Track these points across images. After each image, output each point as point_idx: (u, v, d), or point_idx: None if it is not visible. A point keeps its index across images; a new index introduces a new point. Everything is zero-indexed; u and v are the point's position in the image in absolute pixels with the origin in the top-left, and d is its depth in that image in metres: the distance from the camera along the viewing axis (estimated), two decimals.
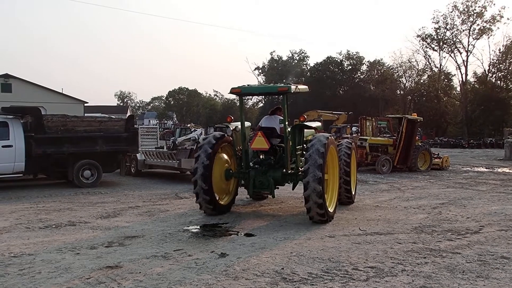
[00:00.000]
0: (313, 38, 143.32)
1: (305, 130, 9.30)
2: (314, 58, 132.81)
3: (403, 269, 5.81)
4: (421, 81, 63.05)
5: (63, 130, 12.90)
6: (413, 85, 63.32)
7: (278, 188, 9.60)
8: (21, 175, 13.08)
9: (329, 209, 8.47)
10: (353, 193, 10.74)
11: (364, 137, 19.02)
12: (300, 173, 8.89)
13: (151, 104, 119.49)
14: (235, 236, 7.63)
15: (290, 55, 73.67)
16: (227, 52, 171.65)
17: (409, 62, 62.61)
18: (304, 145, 9.09)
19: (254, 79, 76.25)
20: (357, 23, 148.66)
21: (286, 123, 8.93)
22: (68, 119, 13.30)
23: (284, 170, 9.04)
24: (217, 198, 9.21)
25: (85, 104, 50.08)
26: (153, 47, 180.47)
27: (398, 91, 64.90)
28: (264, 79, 71.84)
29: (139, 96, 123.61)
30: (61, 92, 49.60)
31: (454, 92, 63.73)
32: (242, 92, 9.00)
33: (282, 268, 5.80)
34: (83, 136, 13.16)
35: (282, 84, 9.16)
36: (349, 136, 22.40)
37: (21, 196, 11.84)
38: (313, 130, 9.83)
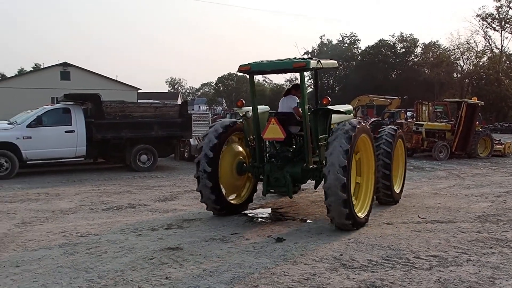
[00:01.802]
0: (364, 20, 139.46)
1: (332, 115, 7.65)
2: (366, 41, 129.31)
3: (468, 259, 5.58)
4: (480, 63, 59.91)
5: (121, 116, 13.33)
6: (471, 67, 60.25)
7: (298, 186, 9.01)
8: (82, 159, 13.68)
9: (359, 215, 6.95)
10: (397, 190, 9.02)
11: (420, 122, 18.36)
12: (321, 167, 7.28)
13: (201, 90, 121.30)
14: (291, 221, 7.63)
15: (341, 38, 72.09)
16: (275, 37, 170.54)
17: (467, 43, 59.56)
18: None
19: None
20: (412, 4, 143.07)
21: (306, 106, 7.32)
22: (126, 105, 13.74)
23: (305, 165, 7.52)
24: (227, 196, 8.02)
25: (138, 91, 51.56)
26: (201, 34, 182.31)
27: (454, 74, 61.99)
28: None
29: (189, 83, 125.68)
30: (115, 79, 51.30)
31: None
32: (251, 70, 7.45)
33: (341, 254, 5.74)
34: (139, 122, 13.55)
35: (299, 59, 7.51)
36: (403, 121, 21.72)
37: (83, 179, 12.40)
38: (345, 115, 8.11)
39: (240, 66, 7.41)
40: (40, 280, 4.92)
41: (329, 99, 7.26)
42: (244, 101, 7.99)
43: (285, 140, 7.59)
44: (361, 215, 7.06)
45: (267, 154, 8.08)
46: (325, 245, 6.13)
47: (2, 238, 6.59)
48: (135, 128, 13.46)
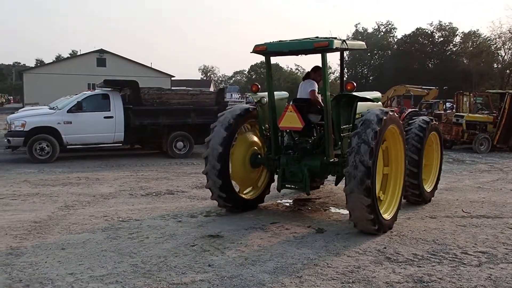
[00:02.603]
0: (401, 8, 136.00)
1: (358, 103, 6.84)
2: (402, 30, 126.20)
3: None
4: None
5: (158, 103, 13.44)
6: None
7: (318, 182, 8.30)
8: (120, 145, 13.88)
9: (385, 216, 6.22)
10: (428, 189, 8.14)
11: (461, 114, 17.78)
12: (343, 160, 6.50)
13: (233, 78, 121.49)
14: (330, 212, 7.52)
15: (376, 27, 70.65)
16: (309, 25, 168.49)
17: (509, 32, 57.24)
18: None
19: (336, 53, 74.29)
20: None
21: (328, 93, 6.53)
22: (163, 92, 13.84)
23: (325, 158, 6.78)
24: (242, 192, 7.48)
25: (172, 78, 52.09)
26: (233, 23, 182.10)
27: (495, 64, 59.84)
28: (347, 53, 69.74)
29: (221, 70, 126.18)
30: (150, 66, 51.97)
31: None
32: (267, 50, 6.64)
33: (385, 247, 5.60)
34: (176, 109, 13.62)
35: (321, 38, 6.45)
36: (442, 112, 21.10)
37: (121, 164, 12.61)
38: (372, 103, 7.27)
39: (255, 46, 6.68)
40: (85, 263, 5.00)
41: (354, 84, 6.41)
42: (259, 86, 7.19)
43: (304, 130, 6.86)
44: (387, 216, 6.28)
45: (284, 145, 7.33)
46: (367, 237, 6.00)
47: (47, 221, 6.75)
48: (172, 115, 13.53)
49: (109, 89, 13.95)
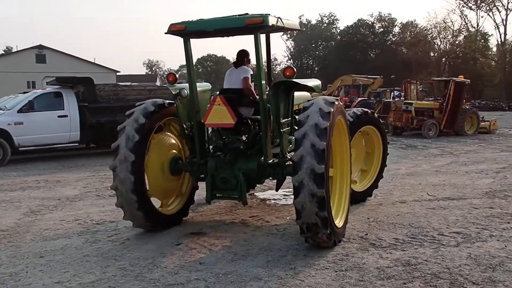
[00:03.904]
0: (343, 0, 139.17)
1: (295, 93, 5.96)
2: (344, 21, 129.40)
3: (491, 234, 5.71)
4: (457, 42, 60.83)
5: (115, 99, 13.04)
6: (448, 46, 61.20)
7: (254, 189, 6.53)
8: (76, 144, 13.35)
9: (336, 223, 5.30)
10: (361, 189, 7.31)
11: (410, 101, 18.57)
12: (287, 162, 5.64)
13: (179, 72, 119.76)
14: None
15: (319, 18, 71.99)
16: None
17: (444, 22, 60.27)
18: (296, 117, 5.81)
19: (282, 44, 74.87)
20: None
21: (263, 82, 5.53)
22: (120, 88, 13.44)
23: (263, 159, 5.71)
24: (163, 206, 6.27)
25: (117, 74, 50.58)
26: (179, 12, 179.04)
27: (431, 53, 62.92)
28: (293, 44, 70.68)
29: (167, 64, 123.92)
30: (93, 62, 50.15)
31: (490, 53, 61.35)
32: (187, 30, 5.38)
33: (366, 234, 5.78)
34: (134, 105, 13.19)
35: (254, 14, 5.35)
36: (391, 100, 21.93)
37: (79, 164, 12.13)
38: (307, 93, 6.61)
39: (171, 25, 5.42)
40: (70, 270, 4.80)
41: (295, 70, 5.37)
42: (177, 76, 6.05)
43: (235, 126, 5.77)
44: (338, 222, 5.43)
45: (211, 146, 6.23)
46: (347, 225, 6.15)
47: (15, 228, 6.40)
48: None
49: (57, 86, 13.33)
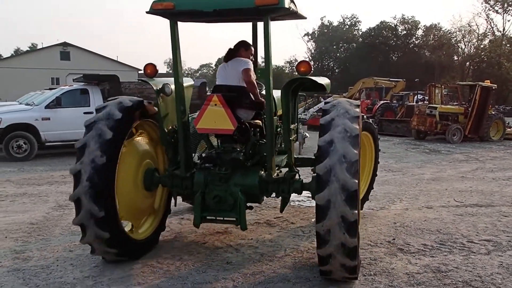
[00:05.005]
0: (366, 1, 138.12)
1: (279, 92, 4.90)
2: (367, 23, 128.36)
3: None
4: (482, 46, 59.76)
5: (140, 97, 13.10)
6: (472, 50, 60.16)
7: (252, 208, 5.08)
8: None
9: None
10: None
11: (434, 105, 18.31)
12: (293, 174, 4.89)
13: (199, 72, 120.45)
14: None
15: (341, 20, 71.51)
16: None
17: (469, 26, 59.31)
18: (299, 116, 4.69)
19: (303, 46, 74.43)
20: None
21: (271, 77, 4.55)
22: (144, 86, 13.52)
23: (264, 174, 4.86)
24: (136, 228, 5.06)
25: (139, 71, 51.08)
26: None
27: (455, 57, 61.95)
28: (314, 46, 70.38)
29: (187, 63, 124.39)
30: (116, 60, 50.78)
31: None
32: (176, 9, 4.28)
33: (393, 239, 5.71)
34: None
35: None
36: (414, 104, 21.65)
37: None
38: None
39: (155, 2, 4.30)
40: (99, 265, 4.85)
41: (311, 64, 4.54)
42: (157, 67, 4.86)
43: (233, 132, 4.78)
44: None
45: (199, 156, 5.27)
46: (373, 229, 6.10)
47: (44, 222, 6.51)
48: None
49: (82, 83, 13.54)
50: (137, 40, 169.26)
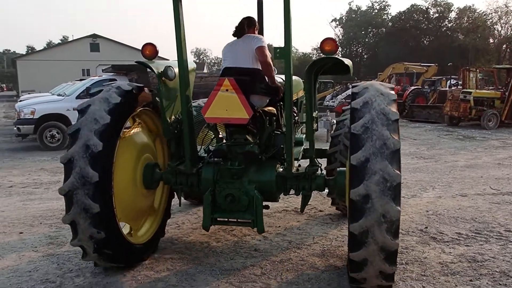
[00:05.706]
0: None
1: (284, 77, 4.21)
2: (396, 7, 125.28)
3: None
4: None
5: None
6: (509, 32, 57.95)
7: (268, 208, 4.42)
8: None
9: None
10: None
11: (468, 90, 17.72)
12: (315, 169, 4.30)
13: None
14: None
15: (370, 4, 69.93)
16: (303, 4, 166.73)
17: (505, 6, 57.11)
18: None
19: (330, 32, 73.51)
20: None
21: (291, 58, 3.96)
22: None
23: (282, 169, 4.38)
24: (135, 234, 4.46)
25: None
26: (225, 2, 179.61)
27: (491, 39, 59.80)
28: (341, 31, 69.24)
29: (214, 53, 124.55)
30: None
31: None
32: None
33: (426, 227, 5.55)
34: None
35: None
36: (447, 89, 21.03)
37: None
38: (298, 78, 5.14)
39: None
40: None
41: (337, 42, 3.91)
42: (157, 48, 4.21)
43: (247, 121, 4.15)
44: None
45: (206, 149, 4.86)
46: (405, 217, 5.94)
47: None
48: None
49: (111, 74, 13.71)
50: (162, 31, 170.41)
